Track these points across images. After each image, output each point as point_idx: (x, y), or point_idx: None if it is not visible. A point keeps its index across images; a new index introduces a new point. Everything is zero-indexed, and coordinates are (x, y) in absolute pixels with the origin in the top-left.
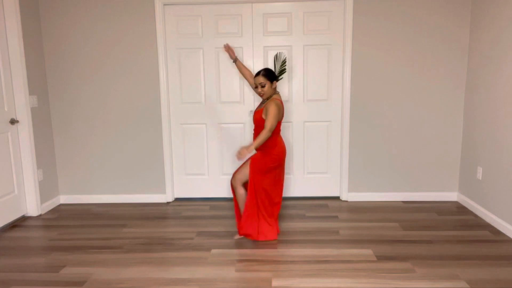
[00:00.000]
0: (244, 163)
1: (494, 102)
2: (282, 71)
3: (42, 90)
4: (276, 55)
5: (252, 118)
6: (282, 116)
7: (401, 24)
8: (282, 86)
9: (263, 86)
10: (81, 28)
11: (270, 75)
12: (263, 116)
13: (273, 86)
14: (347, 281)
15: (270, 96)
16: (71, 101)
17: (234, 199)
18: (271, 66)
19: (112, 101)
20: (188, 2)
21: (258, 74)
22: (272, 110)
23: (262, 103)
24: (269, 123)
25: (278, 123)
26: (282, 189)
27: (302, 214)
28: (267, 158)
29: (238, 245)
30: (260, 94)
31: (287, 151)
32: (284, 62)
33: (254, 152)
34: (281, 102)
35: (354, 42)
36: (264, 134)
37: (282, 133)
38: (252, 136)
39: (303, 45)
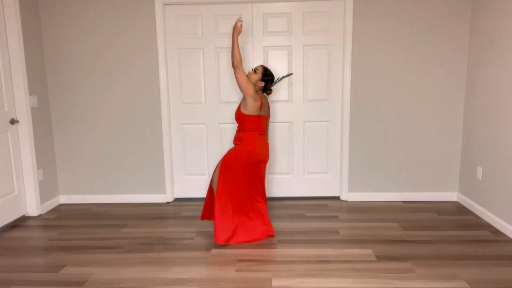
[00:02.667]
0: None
1: (494, 102)
2: (276, 81)
3: (42, 90)
4: (287, 74)
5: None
6: (260, 110)
7: (401, 24)
8: (282, 85)
9: (255, 72)
10: (81, 28)
11: (266, 74)
12: (242, 110)
13: (260, 85)
14: (347, 281)
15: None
16: (71, 101)
17: (207, 202)
18: (271, 66)
19: (112, 101)
20: (188, 2)
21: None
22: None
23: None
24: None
25: (260, 119)
26: (261, 188)
27: (302, 214)
28: (238, 155)
29: (238, 245)
30: (247, 75)
31: (286, 150)
32: (284, 77)
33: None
34: (261, 98)
35: (354, 42)
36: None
37: (283, 132)
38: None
39: (303, 45)
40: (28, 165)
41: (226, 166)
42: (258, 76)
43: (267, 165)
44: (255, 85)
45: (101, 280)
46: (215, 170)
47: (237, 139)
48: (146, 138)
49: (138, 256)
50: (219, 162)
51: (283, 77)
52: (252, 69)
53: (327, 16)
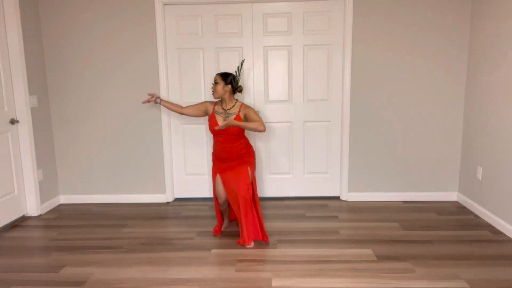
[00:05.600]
0: (233, 175)
1: (494, 102)
2: (237, 75)
3: (42, 90)
4: (241, 62)
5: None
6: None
7: (401, 23)
8: (282, 85)
9: (216, 83)
10: (81, 28)
11: (225, 76)
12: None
13: (226, 89)
14: (347, 281)
15: (225, 99)
16: (71, 101)
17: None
18: (271, 66)
19: (112, 101)
20: (188, 2)
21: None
22: (253, 111)
23: (225, 115)
24: (259, 118)
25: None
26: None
27: (302, 214)
28: (253, 155)
29: (238, 245)
30: (212, 91)
31: (286, 150)
32: (240, 67)
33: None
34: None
35: (354, 42)
36: (257, 124)
37: (283, 132)
38: (226, 144)
39: (303, 45)
40: (28, 165)
41: (254, 168)
42: (221, 85)
43: (266, 164)
44: (225, 92)
45: (101, 280)
46: (220, 183)
47: (244, 146)
48: (146, 138)
49: (138, 256)
50: (235, 170)
51: (240, 66)
52: (213, 83)
53: (327, 16)
